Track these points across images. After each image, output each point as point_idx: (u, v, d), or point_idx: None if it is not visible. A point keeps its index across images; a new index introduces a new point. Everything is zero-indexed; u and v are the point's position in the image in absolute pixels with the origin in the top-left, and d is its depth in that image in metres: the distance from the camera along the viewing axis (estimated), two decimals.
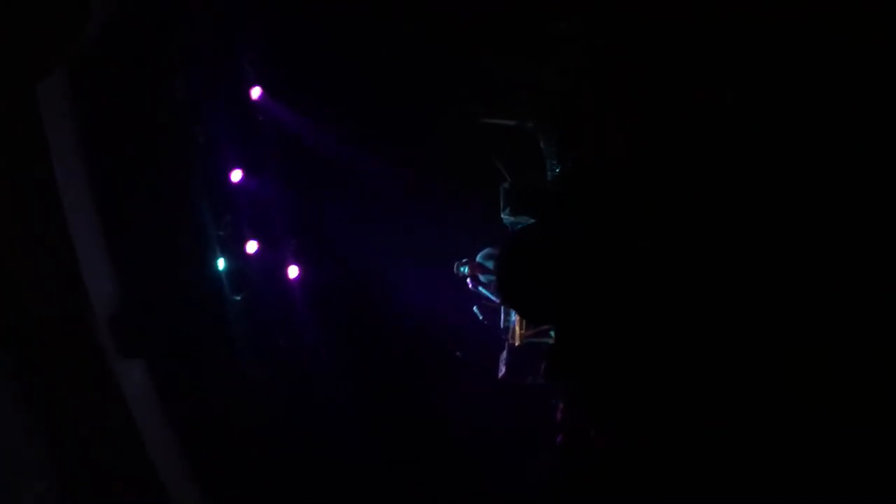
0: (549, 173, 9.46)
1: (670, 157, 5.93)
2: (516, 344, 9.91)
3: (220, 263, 9.76)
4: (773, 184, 5.54)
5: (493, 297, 10.17)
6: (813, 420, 5.41)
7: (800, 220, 5.46)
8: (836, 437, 5.35)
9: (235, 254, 9.82)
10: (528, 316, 8.96)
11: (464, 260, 10.10)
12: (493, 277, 9.89)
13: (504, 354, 10.05)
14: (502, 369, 10.01)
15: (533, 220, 8.02)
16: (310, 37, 9.71)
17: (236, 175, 9.85)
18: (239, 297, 9.83)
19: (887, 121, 5.22)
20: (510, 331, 10.08)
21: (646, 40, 6.21)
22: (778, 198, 5.53)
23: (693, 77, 6.00)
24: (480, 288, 10.18)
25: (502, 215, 9.99)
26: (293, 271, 10.23)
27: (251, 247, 9.91)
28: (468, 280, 10.16)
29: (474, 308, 10.30)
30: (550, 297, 6.83)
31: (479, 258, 10.10)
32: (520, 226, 9.46)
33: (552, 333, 9.59)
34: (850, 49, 5.39)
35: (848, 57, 5.39)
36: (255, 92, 9.94)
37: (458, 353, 10.53)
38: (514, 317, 10.07)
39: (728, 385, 5.92)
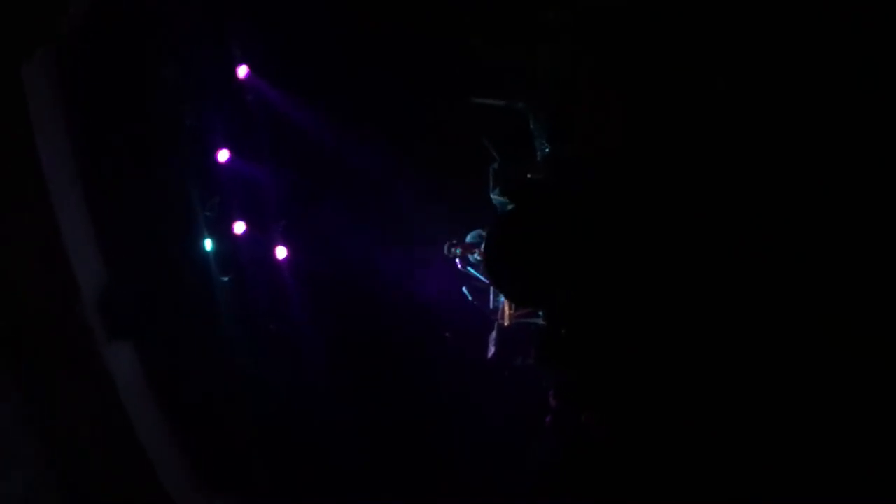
0: (538, 153, 9.43)
1: (661, 143, 5.96)
2: (505, 324, 9.89)
3: (208, 244, 9.73)
4: (764, 170, 5.58)
5: (483, 278, 10.14)
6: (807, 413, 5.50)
7: (791, 209, 5.51)
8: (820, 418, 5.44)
9: (223, 234, 9.78)
10: (516, 299, 8.99)
11: (453, 241, 10.04)
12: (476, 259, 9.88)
13: (493, 335, 10.03)
14: (491, 349, 9.99)
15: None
16: (299, 19, 9.60)
17: (223, 155, 9.78)
18: (227, 278, 9.80)
19: (874, 108, 5.28)
20: (499, 311, 10.06)
21: (637, 28, 6.20)
22: (769, 184, 5.57)
23: (684, 64, 6.01)
24: (470, 268, 10.13)
25: (491, 195, 9.94)
26: (281, 252, 10.17)
27: (239, 227, 9.86)
28: (457, 261, 10.11)
29: (463, 289, 10.27)
30: (537, 280, 6.86)
31: (468, 239, 10.04)
32: (509, 206, 9.45)
33: (541, 314, 9.62)
34: (839, 39, 5.42)
35: (837, 46, 5.42)
36: (242, 71, 9.84)
37: (447, 334, 10.51)
38: (504, 297, 10.06)
39: (714, 368, 6.00)
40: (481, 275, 10.12)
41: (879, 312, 5.11)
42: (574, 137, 7.49)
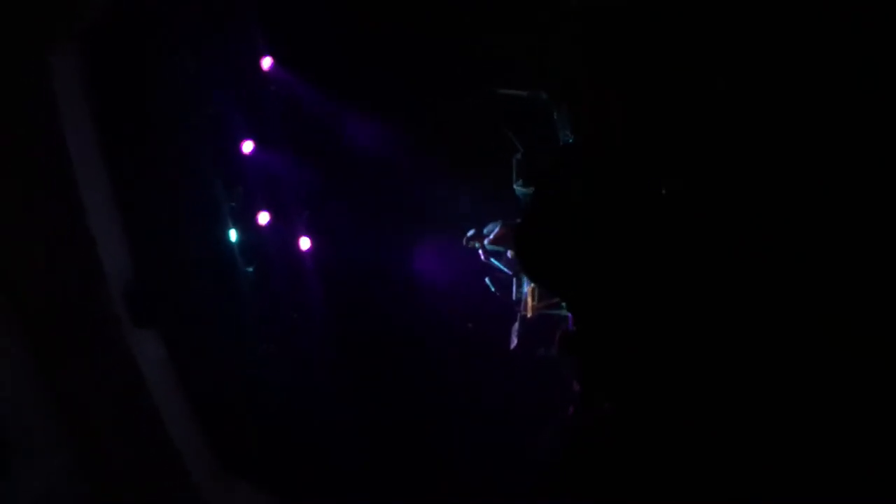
0: (562, 144, 9.38)
1: (660, 143, 5.92)
2: (528, 315, 9.88)
3: (232, 234, 9.80)
4: (765, 170, 5.52)
5: (505, 269, 10.14)
6: (813, 416, 5.42)
7: (792, 208, 5.45)
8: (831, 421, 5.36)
9: (247, 225, 9.85)
10: (547, 285, 8.95)
11: (471, 233, 10.04)
12: (500, 249, 9.89)
13: (516, 326, 10.03)
14: (514, 340, 10.00)
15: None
16: (321, 10, 9.62)
17: (247, 146, 9.85)
18: (251, 269, 9.87)
19: (874, 108, 5.20)
20: (522, 302, 10.05)
21: (637, 28, 6.15)
22: (770, 184, 5.52)
23: (684, 64, 5.95)
24: (492, 259, 10.14)
25: (514, 186, 9.92)
26: (305, 243, 10.22)
27: (263, 218, 9.93)
28: (480, 252, 10.12)
29: (486, 280, 10.27)
30: (568, 266, 6.82)
31: (486, 231, 10.04)
32: (531, 197, 9.41)
33: (563, 305, 9.58)
34: (839, 39, 5.34)
35: (837, 46, 5.34)
36: (266, 63, 9.89)
37: (469, 325, 10.51)
38: (526, 288, 10.04)
39: (734, 359, 5.93)
40: (504, 266, 10.14)
41: (879, 312, 5.03)
42: (583, 129, 7.43)
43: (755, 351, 5.80)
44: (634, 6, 6.07)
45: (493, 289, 10.30)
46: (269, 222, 9.95)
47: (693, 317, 6.10)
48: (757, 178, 5.35)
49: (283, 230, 10.10)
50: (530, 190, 9.61)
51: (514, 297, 10.22)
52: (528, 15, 8.40)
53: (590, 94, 6.55)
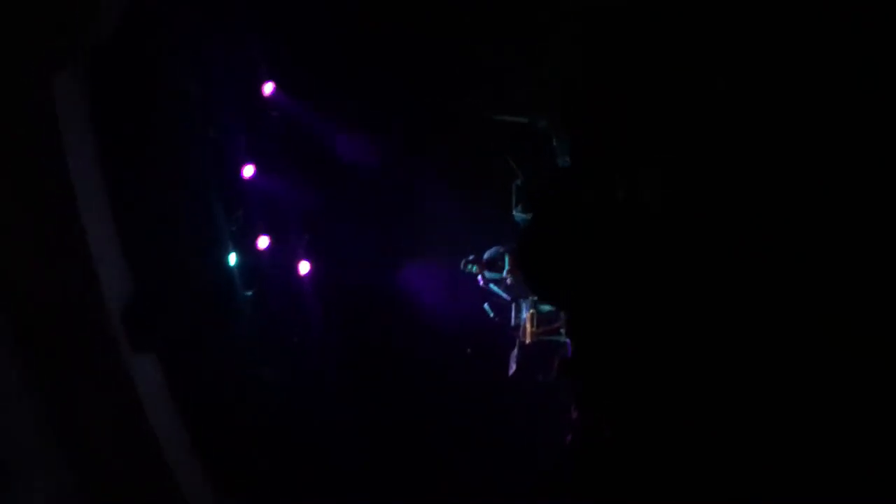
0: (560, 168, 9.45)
1: (661, 143, 5.96)
2: (527, 341, 9.91)
3: (232, 258, 9.79)
4: (765, 170, 5.57)
5: (504, 295, 10.18)
6: (812, 418, 5.42)
7: (792, 208, 5.48)
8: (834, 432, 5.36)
9: (247, 249, 9.85)
10: (547, 296, 8.98)
11: (471, 257, 10.10)
12: (498, 276, 9.96)
13: (515, 352, 10.05)
14: (513, 366, 10.01)
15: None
16: (322, 35, 9.75)
17: (248, 170, 9.89)
18: (250, 293, 9.86)
19: (874, 108, 5.25)
20: (521, 328, 10.08)
21: (637, 28, 6.23)
22: (770, 184, 5.56)
23: (684, 64, 6.01)
24: (491, 285, 10.18)
25: (514, 212, 9.99)
26: (304, 267, 10.25)
27: (262, 242, 9.94)
28: (479, 277, 10.17)
29: (485, 305, 10.30)
30: (570, 277, 6.85)
31: (486, 256, 10.10)
32: (530, 220, 9.48)
33: (562, 332, 9.62)
34: (839, 39, 5.41)
35: (837, 46, 5.41)
36: (268, 88, 9.98)
37: (468, 350, 10.51)
38: (525, 314, 10.08)
39: (734, 382, 5.94)
40: (503, 291, 10.19)
41: (879, 312, 5.06)
42: (578, 140, 7.51)
43: (755, 375, 5.82)
44: (634, 6, 6.15)
45: (491, 314, 10.34)
46: (268, 246, 9.96)
47: (693, 334, 6.12)
48: (757, 177, 5.39)
49: (283, 254, 10.12)
50: (529, 216, 9.70)
51: (512, 323, 10.26)
52: (527, 15, 8.45)
53: (590, 96, 6.62)
